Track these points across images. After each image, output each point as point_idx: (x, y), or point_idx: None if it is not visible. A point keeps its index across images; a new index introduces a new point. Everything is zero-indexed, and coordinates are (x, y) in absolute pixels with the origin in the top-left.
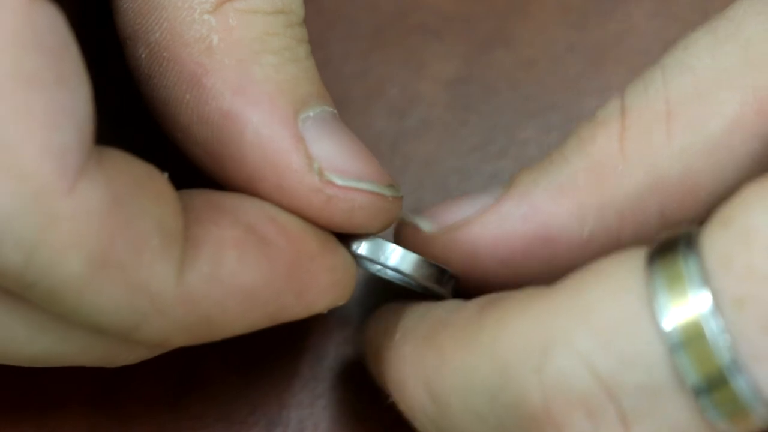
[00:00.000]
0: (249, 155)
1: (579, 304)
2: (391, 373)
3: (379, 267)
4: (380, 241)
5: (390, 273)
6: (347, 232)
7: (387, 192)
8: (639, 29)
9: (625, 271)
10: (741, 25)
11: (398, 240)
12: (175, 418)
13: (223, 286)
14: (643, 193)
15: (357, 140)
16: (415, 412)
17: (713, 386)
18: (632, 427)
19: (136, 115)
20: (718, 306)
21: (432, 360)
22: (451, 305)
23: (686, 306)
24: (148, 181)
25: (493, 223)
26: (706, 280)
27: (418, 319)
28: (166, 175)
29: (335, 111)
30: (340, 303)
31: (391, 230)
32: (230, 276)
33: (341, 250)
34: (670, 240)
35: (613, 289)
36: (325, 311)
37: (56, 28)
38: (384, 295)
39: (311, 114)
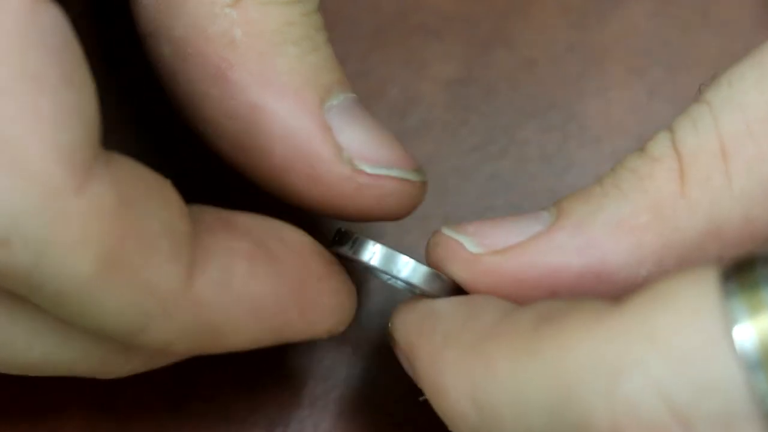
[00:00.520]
0: (278, 147)
1: (651, 328)
2: (429, 376)
3: (389, 277)
4: (390, 251)
5: (401, 284)
6: (375, 218)
7: (414, 177)
8: (639, 29)
9: (698, 293)
10: None
11: (436, 252)
12: (175, 418)
13: (231, 295)
14: (704, 236)
15: (381, 125)
16: (455, 420)
17: None
18: None
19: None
20: None
21: (480, 370)
22: (498, 311)
23: (766, 327)
24: (155, 185)
25: (545, 253)
26: None
27: (462, 324)
28: (169, 182)
29: (356, 96)
30: (341, 328)
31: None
32: (239, 285)
33: (344, 275)
34: (745, 262)
35: (688, 313)
36: (326, 336)
37: (60, 28)
38: (383, 297)
39: (335, 102)
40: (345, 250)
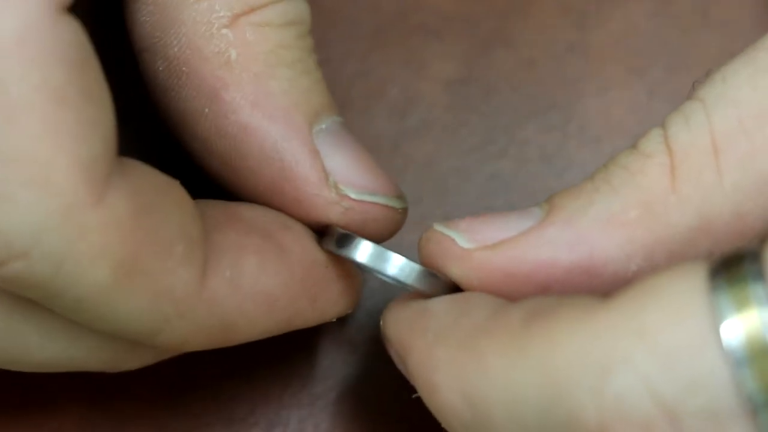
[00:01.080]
0: (266, 168)
1: (639, 325)
2: (421, 373)
3: (381, 275)
4: (382, 250)
5: (389, 280)
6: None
7: (397, 204)
8: (639, 29)
9: (685, 290)
10: None
11: (428, 248)
12: (175, 418)
13: (243, 291)
14: (694, 232)
15: (365, 151)
16: (446, 416)
17: None
18: None
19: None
20: None
21: (471, 367)
22: (488, 308)
23: (752, 323)
24: (167, 189)
25: (535, 248)
26: None
27: (453, 321)
28: (178, 182)
29: (342, 119)
30: (349, 311)
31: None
32: (251, 281)
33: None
34: (733, 258)
35: (676, 309)
36: (335, 319)
37: (80, 43)
38: (383, 297)
39: (323, 126)
40: (336, 247)
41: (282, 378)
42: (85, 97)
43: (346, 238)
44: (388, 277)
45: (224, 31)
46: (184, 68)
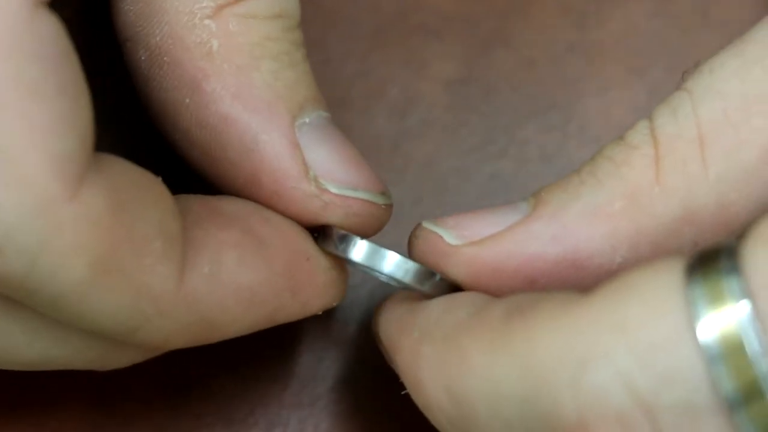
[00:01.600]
0: (247, 160)
1: (616, 319)
2: (407, 370)
3: (376, 273)
4: (376, 247)
5: (385, 277)
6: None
7: (380, 200)
8: (639, 29)
9: (662, 285)
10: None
11: (416, 246)
12: (175, 418)
13: (223, 287)
14: (679, 222)
15: (350, 146)
16: (432, 411)
17: (750, 399)
18: None
19: (127, 118)
20: (761, 324)
21: (454, 364)
22: (472, 305)
23: (726, 319)
24: (147, 185)
25: (521, 242)
26: (748, 298)
27: (437, 318)
28: (159, 178)
29: (329, 115)
30: (334, 303)
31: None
32: (230, 276)
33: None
34: (710, 254)
35: (653, 305)
36: (320, 312)
37: (57, 38)
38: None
39: (307, 120)
40: (330, 246)
41: (282, 378)
42: (60, 93)
43: (341, 237)
44: (385, 275)
45: (207, 21)
46: (165, 58)
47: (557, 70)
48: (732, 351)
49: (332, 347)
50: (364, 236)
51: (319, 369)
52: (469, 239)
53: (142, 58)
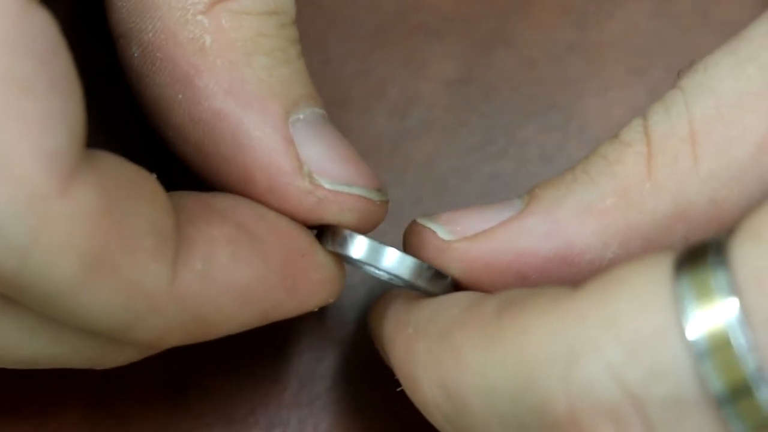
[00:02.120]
0: (240, 156)
1: (606, 313)
2: (402, 367)
3: (375, 270)
4: (376, 243)
5: (385, 275)
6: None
7: (375, 196)
8: (639, 29)
9: (652, 280)
10: (762, 46)
11: (410, 242)
12: (175, 418)
13: (216, 284)
14: (670, 219)
15: (346, 143)
16: (428, 408)
17: (737, 396)
18: None
19: (123, 115)
20: (748, 320)
21: (448, 359)
22: (465, 301)
23: (714, 315)
24: (140, 182)
25: (514, 238)
26: (735, 293)
27: (431, 314)
28: (154, 176)
29: (325, 112)
30: (330, 300)
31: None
32: (223, 273)
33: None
34: (698, 249)
35: (642, 299)
36: (316, 309)
37: (48, 34)
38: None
39: (301, 116)
40: (329, 243)
41: (282, 378)
42: (52, 89)
43: (340, 234)
44: (384, 271)
45: (200, 17)
46: (158, 54)
47: (557, 70)
48: (719, 346)
49: (331, 347)
50: (360, 233)
51: (319, 369)
52: (461, 234)
53: (135, 54)
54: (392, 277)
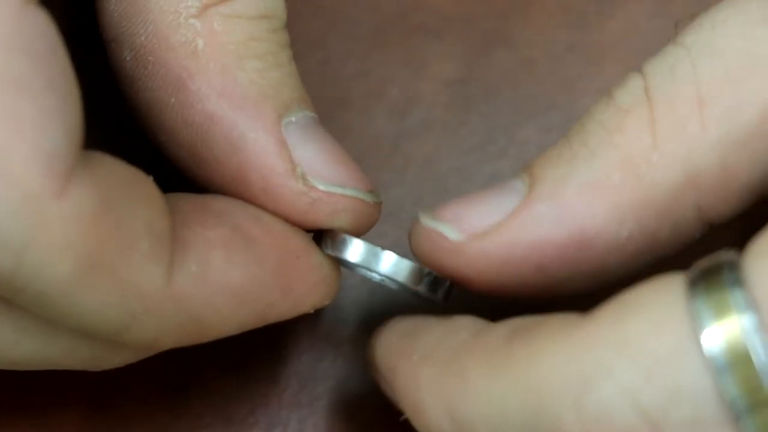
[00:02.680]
0: (234, 159)
1: (620, 337)
2: (406, 394)
3: (372, 274)
4: (372, 247)
5: (383, 279)
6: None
7: (368, 198)
8: (639, 29)
9: (666, 302)
10: None
11: (419, 246)
12: (175, 418)
13: (211, 285)
14: (681, 187)
15: (338, 145)
16: None
17: (758, 408)
18: None
19: (121, 117)
20: (767, 334)
21: (455, 386)
22: (473, 327)
23: (732, 331)
24: (136, 184)
25: (526, 229)
26: (753, 309)
27: (437, 341)
28: (151, 177)
29: (316, 116)
30: (326, 302)
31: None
32: (218, 275)
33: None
34: (712, 268)
35: (656, 321)
36: (312, 311)
37: (46, 33)
38: (382, 297)
39: (293, 119)
40: (327, 247)
41: (282, 378)
42: (48, 88)
43: (337, 238)
44: (381, 275)
45: (192, 20)
46: (150, 58)
47: (557, 70)
48: (739, 361)
49: (332, 347)
50: (355, 234)
51: (319, 369)
52: (470, 232)
53: (127, 58)
54: (390, 281)
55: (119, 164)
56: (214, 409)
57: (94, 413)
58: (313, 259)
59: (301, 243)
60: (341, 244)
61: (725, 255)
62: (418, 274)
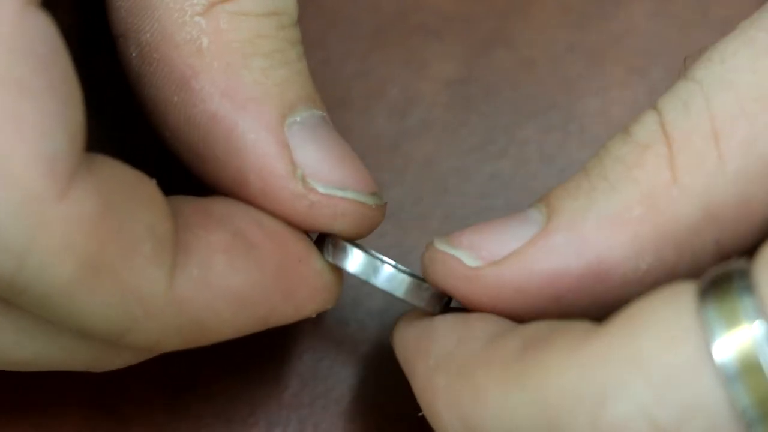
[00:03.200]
0: (234, 159)
1: (633, 352)
2: (423, 397)
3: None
4: (372, 259)
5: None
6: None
7: (370, 201)
8: (639, 29)
9: (677, 312)
10: None
11: (434, 271)
12: (175, 418)
13: (212, 290)
14: (700, 222)
15: (344, 145)
16: None
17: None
18: None
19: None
20: None
21: (469, 398)
22: (487, 333)
23: (743, 339)
24: (139, 187)
25: (543, 258)
26: (763, 316)
27: (452, 347)
28: (154, 181)
29: (325, 114)
30: (328, 306)
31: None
32: (220, 279)
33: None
34: (722, 277)
35: (668, 333)
36: (314, 315)
37: (47, 35)
38: (383, 297)
39: (298, 119)
40: (328, 254)
41: (282, 378)
42: (50, 91)
43: (337, 246)
44: (379, 288)
45: (197, 18)
46: (155, 55)
47: (557, 70)
48: (750, 370)
49: (332, 347)
50: (356, 237)
51: (319, 369)
52: (488, 260)
53: (134, 54)
54: (386, 292)
55: (121, 167)
56: (215, 409)
57: (94, 413)
58: (314, 264)
59: (303, 248)
60: (341, 253)
61: (735, 263)
62: (417, 289)
